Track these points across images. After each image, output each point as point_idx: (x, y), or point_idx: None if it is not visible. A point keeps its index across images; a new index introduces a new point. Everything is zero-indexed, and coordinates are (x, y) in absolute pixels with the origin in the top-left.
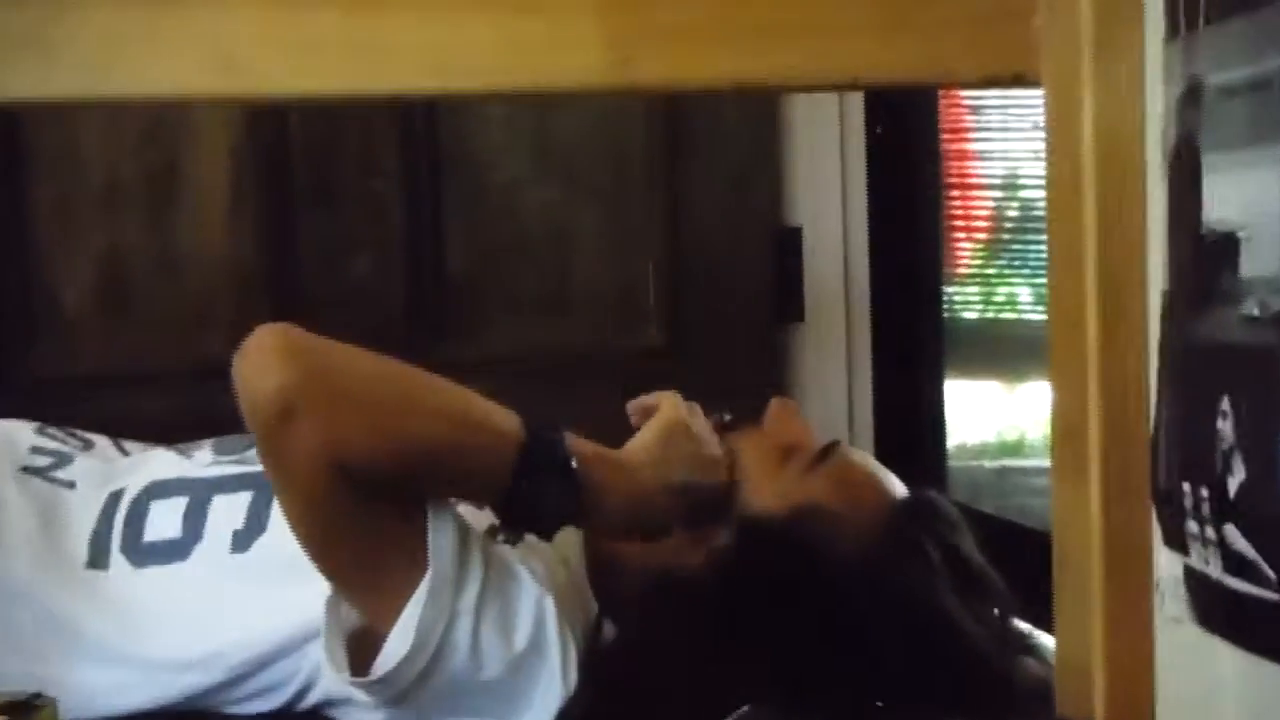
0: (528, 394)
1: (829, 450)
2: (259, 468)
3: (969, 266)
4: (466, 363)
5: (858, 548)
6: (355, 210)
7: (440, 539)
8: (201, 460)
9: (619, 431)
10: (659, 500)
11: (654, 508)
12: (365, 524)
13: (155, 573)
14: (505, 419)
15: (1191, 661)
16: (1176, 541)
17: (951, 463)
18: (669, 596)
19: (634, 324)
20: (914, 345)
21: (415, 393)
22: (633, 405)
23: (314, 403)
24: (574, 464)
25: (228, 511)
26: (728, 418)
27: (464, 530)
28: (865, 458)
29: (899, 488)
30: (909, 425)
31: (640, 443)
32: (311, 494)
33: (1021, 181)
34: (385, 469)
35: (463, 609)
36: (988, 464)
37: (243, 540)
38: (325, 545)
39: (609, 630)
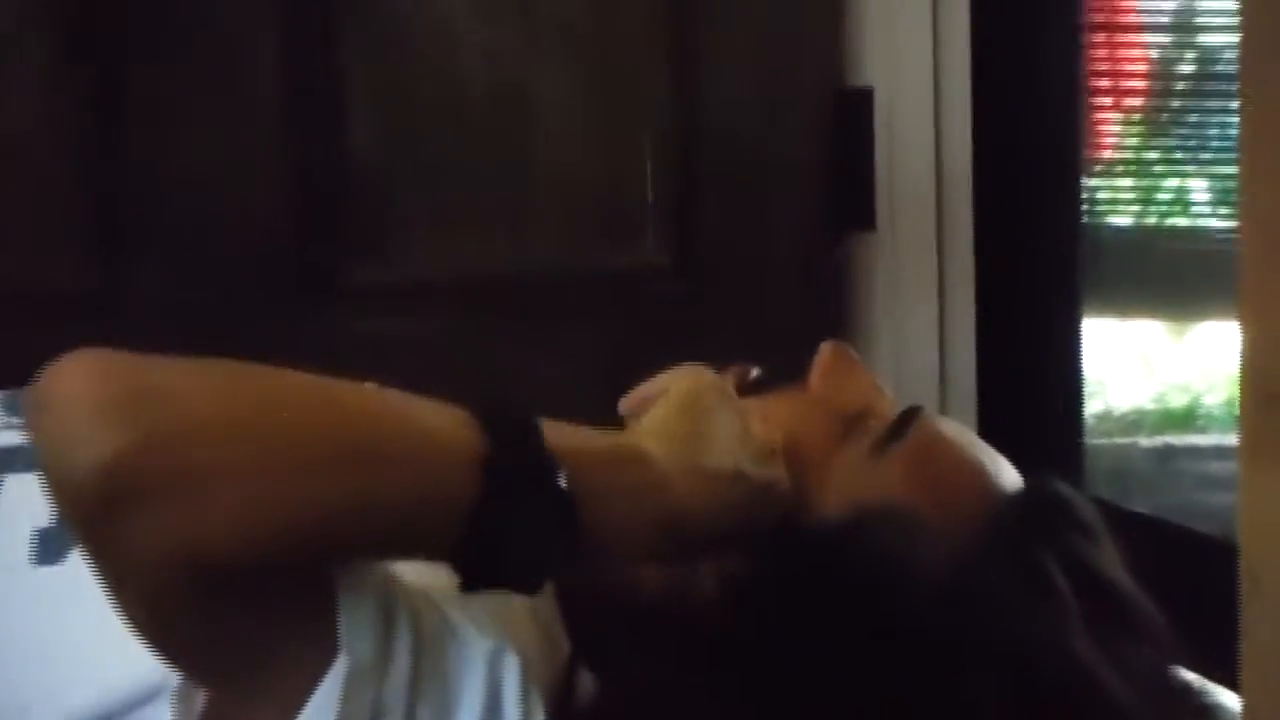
0: (472, 345)
1: (907, 422)
2: None
3: (1119, 150)
4: (380, 295)
5: (949, 569)
6: (204, 68)
7: (356, 615)
8: None
9: (612, 401)
10: (697, 508)
11: (692, 521)
12: (243, 620)
13: None
14: (449, 426)
15: None
16: None
17: (1090, 440)
18: (672, 641)
19: (625, 235)
20: (1037, 266)
21: (312, 431)
22: (629, 400)
23: (160, 484)
24: (562, 481)
25: (25, 500)
26: (756, 374)
27: (384, 587)
28: (962, 433)
29: (1011, 478)
30: (1028, 384)
31: (657, 421)
32: (159, 600)
33: (1201, 21)
34: (273, 557)
35: (390, 700)
36: (1143, 442)
37: (52, 546)
38: (183, 654)
39: (586, 682)
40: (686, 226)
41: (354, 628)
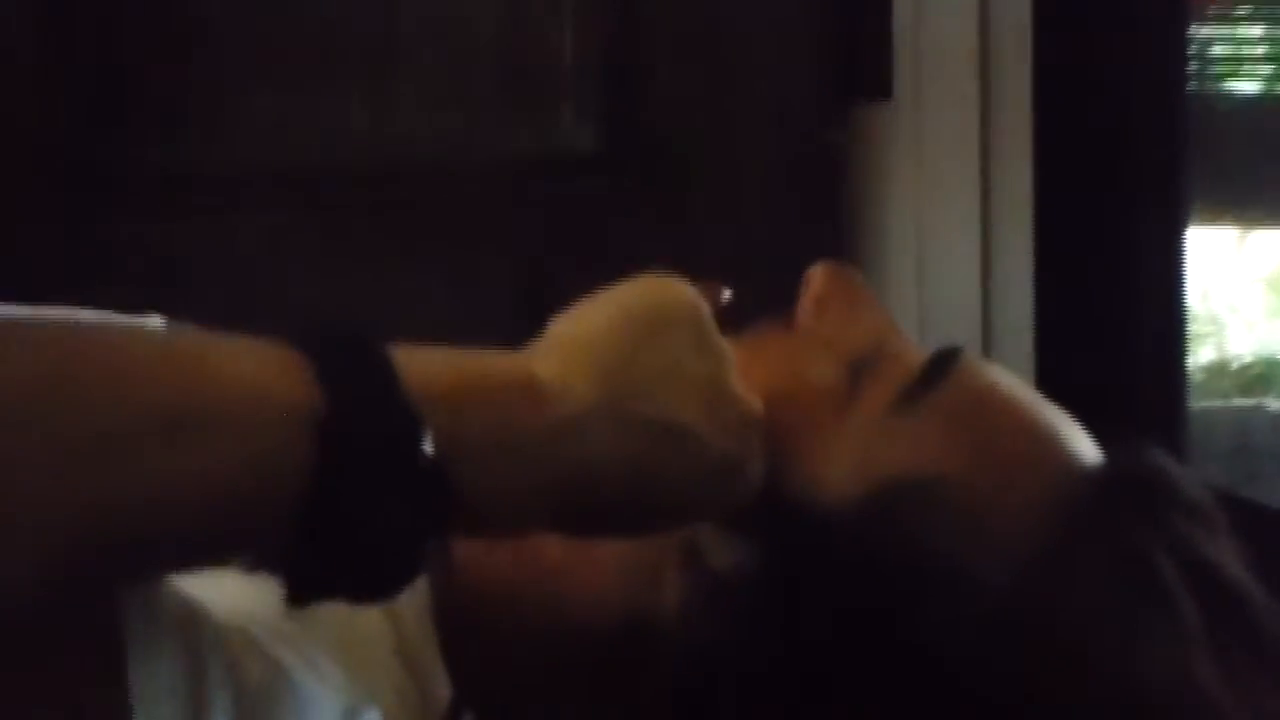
0: (315, 257)
1: (942, 367)
2: None
3: None
4: (181, 189)
5: (1009, 567)
6: None
7: (152, 672)
8: None
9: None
10: (622, 472)
11: (614, 487)
12: None
13: None
14: (269, 375)
15: None
16: None
17: (1198, 402)
18: (609, 681)
19: (534, 108)
20: (1122, 151)
21: (89, 407)
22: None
23: None
24: (428, 444)
25: None
26: (725, 297)
27: (190, 629)
28: (1017, 386)
29: (1087, 447)
30: (1106, 322)
31: (581, 338)
32: None
33: None
34: (45, 579)
35: None
36: (1273, 404)
37: None
38: None
39: None
40: (621, 97)
41: (150, 690)
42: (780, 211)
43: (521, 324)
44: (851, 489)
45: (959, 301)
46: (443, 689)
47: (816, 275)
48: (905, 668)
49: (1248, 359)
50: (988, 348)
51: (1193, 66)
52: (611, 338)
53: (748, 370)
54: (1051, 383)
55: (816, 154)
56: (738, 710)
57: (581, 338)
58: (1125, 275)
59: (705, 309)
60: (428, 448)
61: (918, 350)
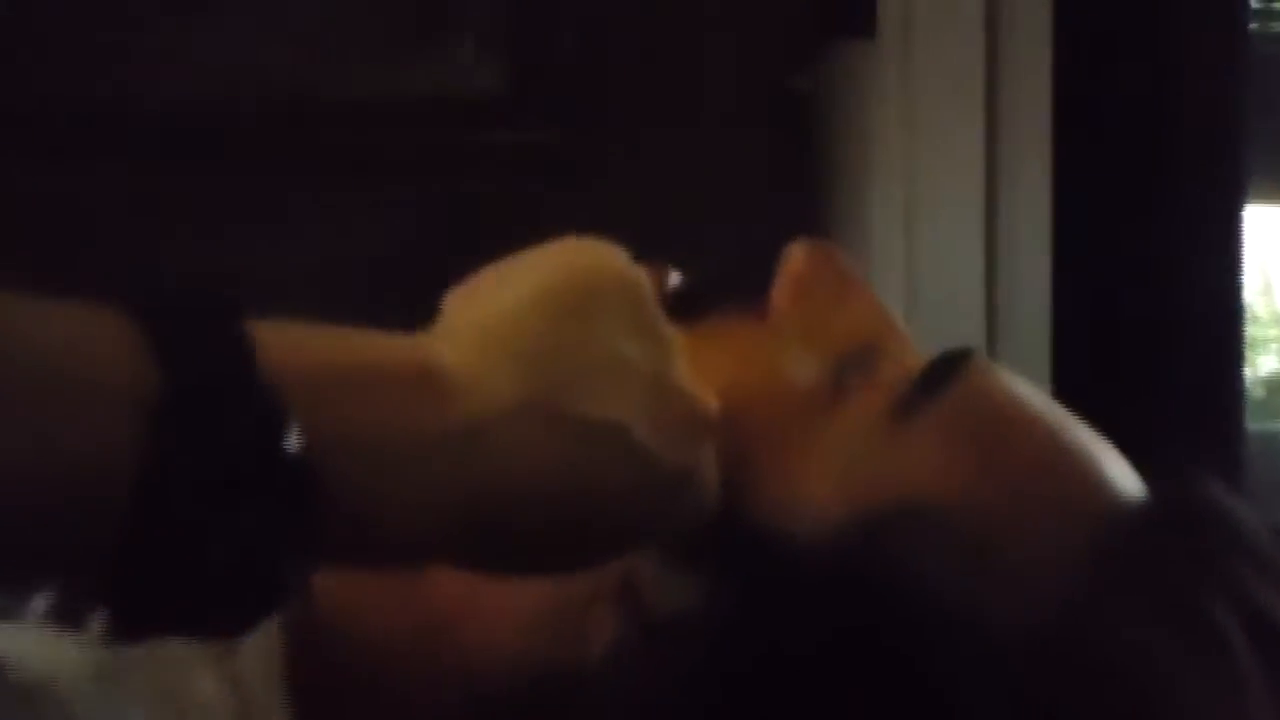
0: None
1: (944, 371)
2: None
3: None
4: (33, 127)
5: (1025, 616)
6: None
7: None
8: None
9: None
10: (536, 481)
11: (525, 502)
12: None
13: None
14: (97, 347)
15: None
16: None
17: (1257, 425)
18: None
19: (430, 44)
20: (1160, 108)
21: None
22: (456, 295)
23: None
24: (293, 440)
25: None
26: (674, 281)
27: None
28: (1035, 397)
29: (1119, 472)
30: (1142, 320)
31: (490, 317)
32: None
33: None
34: None
35: None
36: None
37: None
38: None
39: None
40: (533, 27)
41: None
42: (736, 174)
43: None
44: (833, 513)
45: (958, 288)
46: None
47: (795, 255)
48: None
49: None
50: (993, 348)
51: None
52: (529, 319)
53: (706, 366)
54: (1072, 394)
55: (781, 103)
56: None
57: (491, 319)
58: (1166, 263)
59: (644, 284)
60: (291, 443)
61: (916, 350)
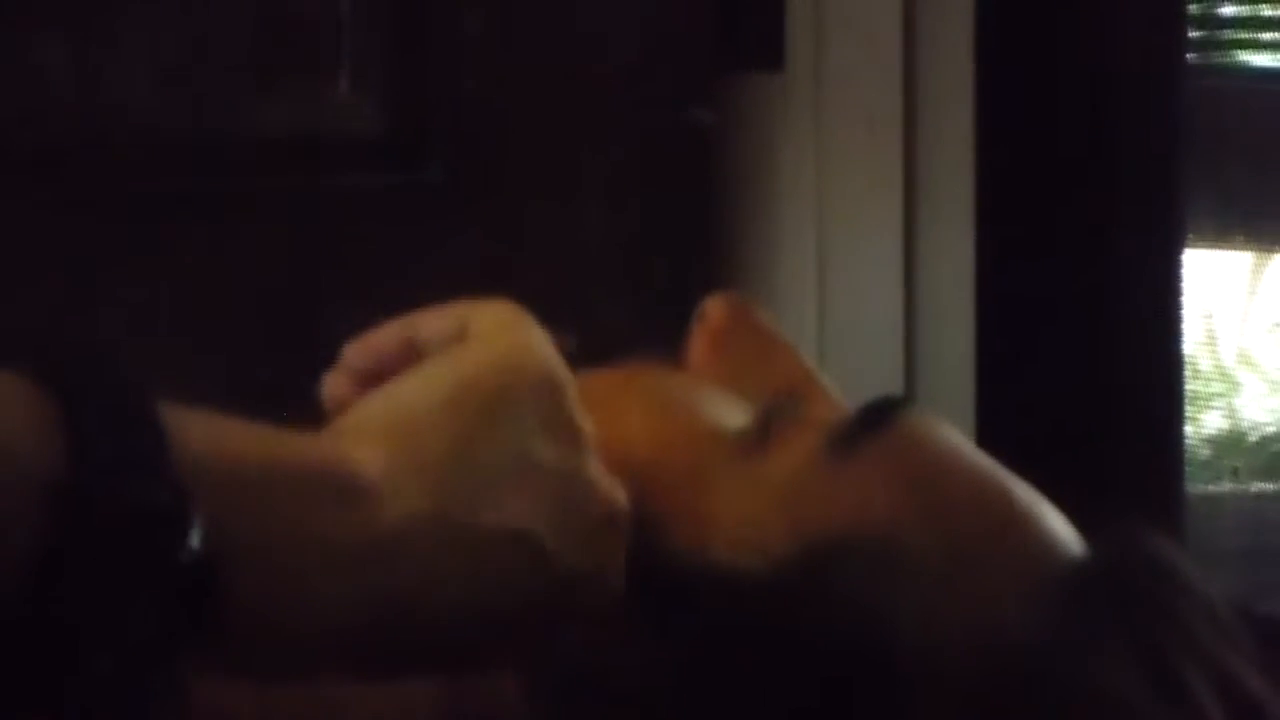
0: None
1: (882, 414)
2: None
3: None
4: None
5: (984, 656)
6: None
7: None
8: None
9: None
10: (448, 592)
11: (436, 612)
12: None
13: None
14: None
15: None
16: None
17: (1197, 486)
18: None
19: (299, 70)
20: (1093, 142)
21: None
22: (355, 352)
23: None
24: (195, 537)
25: None
26: (573, 347)
27: None
28: (973, 448)
29: (1061, 526)
30: (1071, 370)
31: (403, 408)
32: None
33: None
34: None
35: None
36: None
37: None
38: None
39: None
40: (414, 62)
41: None
42: (630, 216)
43: (276, 358)
44: (776, 549)
45: (876, 337)
46: None
47: (711, 310)
48: None
49: (1270, 430)
50: (910, 395)
51: (1195, 31)
52: (445, 420)
53: (628, 410)
54: (998, 450)
55: (680, 139)
56: None
57: (406, 419)
58: (1098, 308)
59: (561, 378)
60: (195, 542)
61: (836, 397)
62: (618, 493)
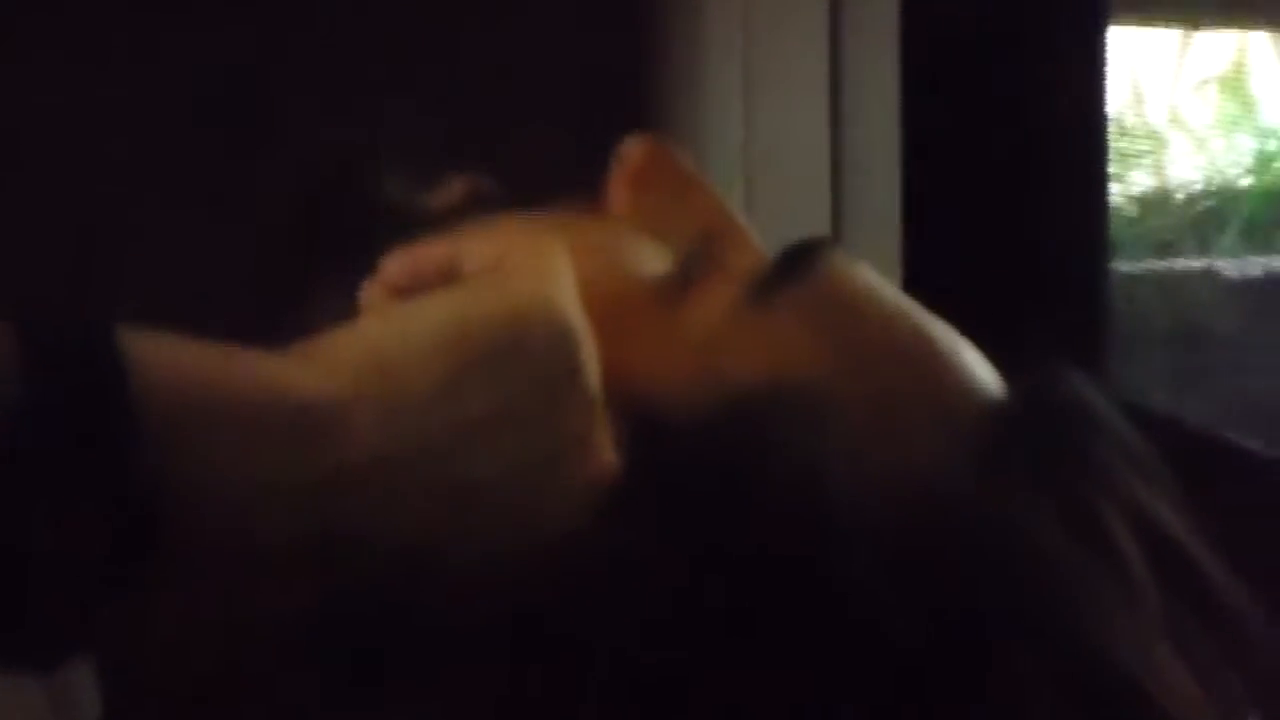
0: None
1: (799, 258)
2: None
3: None
4: None
5: (907, 504)
6: None
7: None
8: None
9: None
10: (404, 505)
11: (383, 528)
12: None
13: None
14: None
15: None
16: None
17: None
18: None
19: None
20: None
21: None
22: (394, 263)
23: None
24: (142, 465)
25: None
26: (485, 188)
27: None
28: (895, 293)
29: (983, 371)
30: (1001, 144)
31: (381, 348)
32: None
33: None
34: None
35: None
36: (1226, 267)
37: None
38: None
39: None
40: None
41: None
42: (557, 49)
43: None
44: (697, 399)
45: (797, 121)
46: None
47: (630, 153)
48: (785, 634)
49: (1197, 187)
50: (839, 230)
51: None
52: (432, 361)
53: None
54: (920, 212)
55: None
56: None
57: (389, 352)
58: (1016, 67)
59: (578, 339)
60: (140, 467)
61: (761, 244)
62: (609, 459)
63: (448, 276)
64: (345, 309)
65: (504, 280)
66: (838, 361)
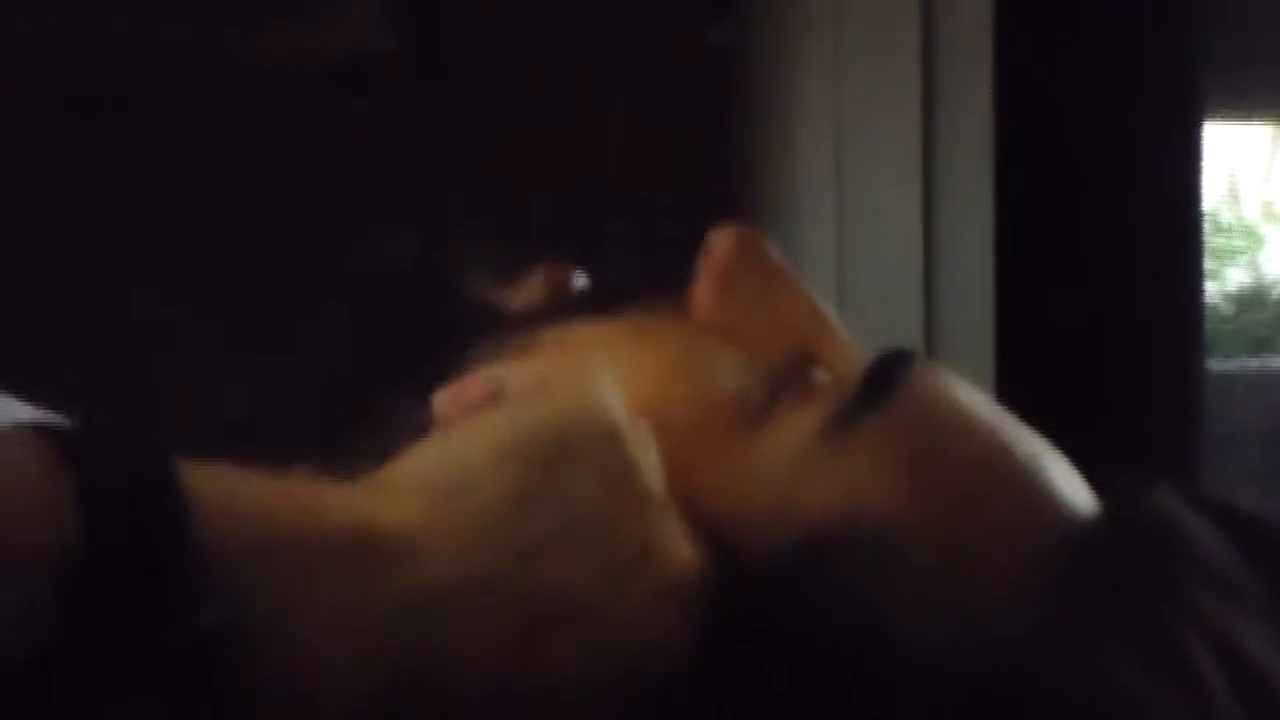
0: None
1: (887, 377)
2: None
3: None
4: None
5: (978, 643)
6: None
7: None
8: None
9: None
10: (492, 660)
11: (474, 683)
12: None
13: None
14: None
15: None
16: None
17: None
18: None
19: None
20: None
21: None
22: (443, 400)
23: None
24: (209, 610)
25: None
26: (580, 281)
27: None
28: (977, 403)
29: (1069, 487)
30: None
31: (441, 470)
32: None
33: None
34: None
35: None
36: None
37: None
38: None
39: None
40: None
41: None
42: (646, 141)
43: (295, 298)
44: (772, 534)
45: (890, 273)
46: None
47: (718, 243)
48: None
49: None
50: (930, 343)
51: None
52: (494, 474)
53: (627, 365)
54: (1024, 389)
55: (697, 60)
56: None
57: (451, 472)
58: (1111, 163)
59: (627, 432)
60: (208, 616)
61: (853, 351)
62: (689, 555)
63: (496, 402)
64: (425, 419)
65: (551, 392)
66: (916, 500)
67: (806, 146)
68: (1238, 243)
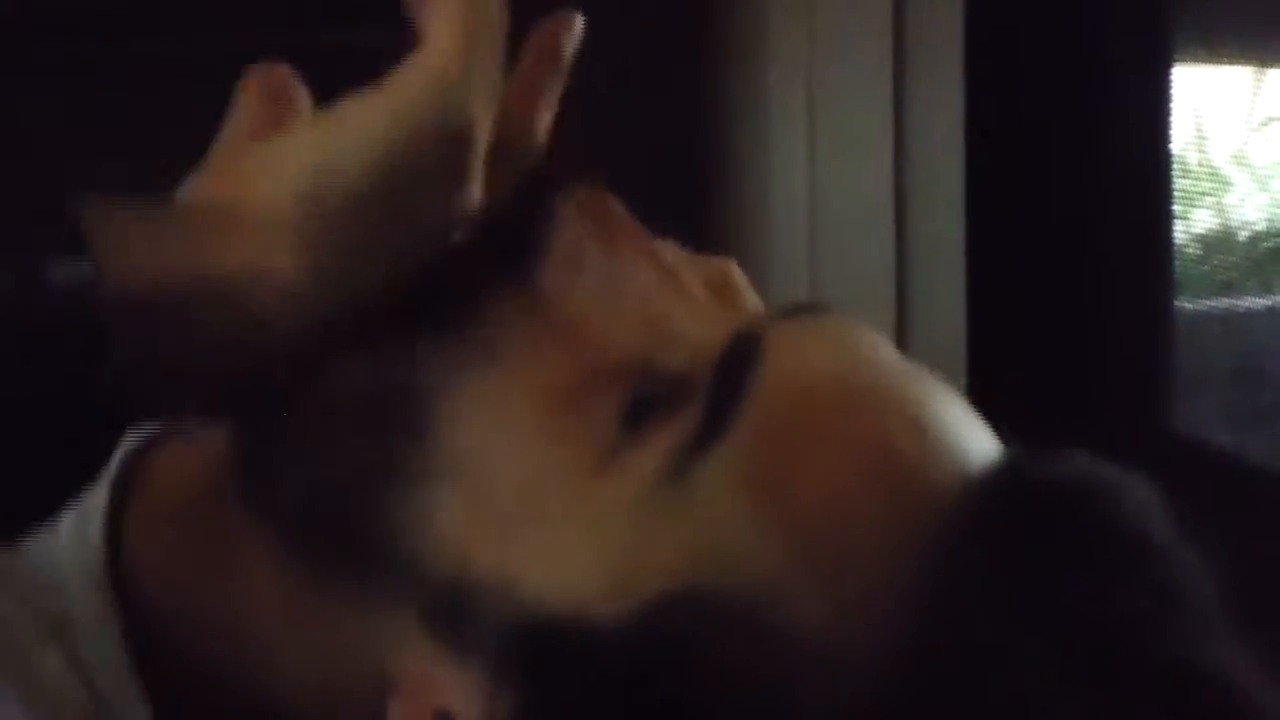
0: None
1: (732, 384)
2: None
3: None
4: None
5: (849, 700)
6: None
7: None
8: None
9: None
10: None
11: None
12: None
13: None
14: None
15: None
16: None
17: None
18: None
19: None
20: None
21: None
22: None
23: None
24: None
25: None
26: (579, 25)
27: None
28: (863, 365)
29: (970, 444)
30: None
31: (316, 148)
32: None
33: None
34: None
35: None
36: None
37: None
38: None
39: None
40: None
41: None
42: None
43: None
44: (607, 606)
45: (866, 161)
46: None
47: (581, 198)
48: None
49: (1261, 226)
50: (901, 229)
51: None
52: (368, 157)
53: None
54: (985, 252)
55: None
56: None
57: (329, 154)
58: (1079, 107)
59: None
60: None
61: (744, 303)
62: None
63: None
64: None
65: (431, 78)
66: (768, 547)
67: (777, 90)
68: (1206, 186)
